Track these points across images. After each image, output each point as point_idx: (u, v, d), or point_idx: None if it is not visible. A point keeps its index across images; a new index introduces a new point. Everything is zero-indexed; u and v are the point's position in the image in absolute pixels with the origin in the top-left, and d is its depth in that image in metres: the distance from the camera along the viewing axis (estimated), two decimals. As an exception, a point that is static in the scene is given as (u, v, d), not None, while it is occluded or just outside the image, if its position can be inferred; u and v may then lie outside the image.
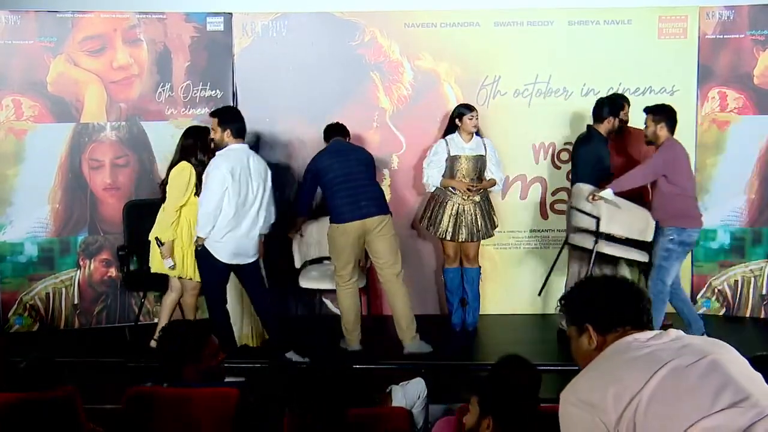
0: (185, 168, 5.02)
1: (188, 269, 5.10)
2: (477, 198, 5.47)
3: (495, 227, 5.61)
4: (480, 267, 5.66)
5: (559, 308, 2.46)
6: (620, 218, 5.13)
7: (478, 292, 5.66)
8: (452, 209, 5.43)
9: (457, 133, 5.46)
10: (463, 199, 5.43)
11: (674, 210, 4.98)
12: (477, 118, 5.42)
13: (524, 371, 2.97)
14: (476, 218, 5.45)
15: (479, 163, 5.46)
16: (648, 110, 5.09)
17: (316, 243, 5.84)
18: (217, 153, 4.86)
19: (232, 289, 5.24)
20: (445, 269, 5.65)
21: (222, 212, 4.75)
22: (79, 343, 5.26)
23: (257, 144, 5.83)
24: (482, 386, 2.75)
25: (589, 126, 5.48)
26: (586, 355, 2.26)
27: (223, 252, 4.82)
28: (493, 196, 5.72)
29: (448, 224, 5.43)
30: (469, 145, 5.45)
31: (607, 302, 2.27)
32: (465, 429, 2.74)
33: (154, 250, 5.11)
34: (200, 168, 5.00)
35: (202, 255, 4.85)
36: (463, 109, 5.44)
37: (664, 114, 5.02)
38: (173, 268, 5.05)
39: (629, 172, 5.09)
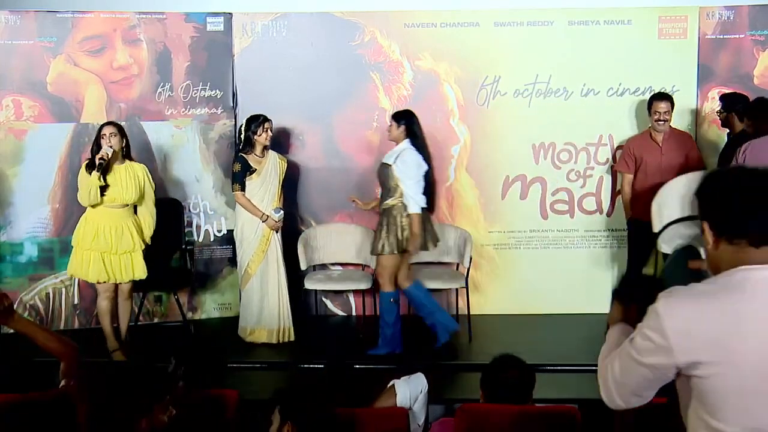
0: None
1: (88, 271, 5.07)
2: None
3: None
4: None
5: None
6: None
7: None
8: None
9: None
10: None
11: None
12: None
13: (517, 370, 2.97)
14: None
15: None
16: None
17: (321, 248, 5.86)
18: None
19: (253, 285, 5.35)
20: None
21: None
22: (79, 343, 5.23)
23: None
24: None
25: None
26: None
27: None
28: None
29: None
30: None
31: None
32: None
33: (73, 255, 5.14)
34: None
35: None
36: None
37: None
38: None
39: None
